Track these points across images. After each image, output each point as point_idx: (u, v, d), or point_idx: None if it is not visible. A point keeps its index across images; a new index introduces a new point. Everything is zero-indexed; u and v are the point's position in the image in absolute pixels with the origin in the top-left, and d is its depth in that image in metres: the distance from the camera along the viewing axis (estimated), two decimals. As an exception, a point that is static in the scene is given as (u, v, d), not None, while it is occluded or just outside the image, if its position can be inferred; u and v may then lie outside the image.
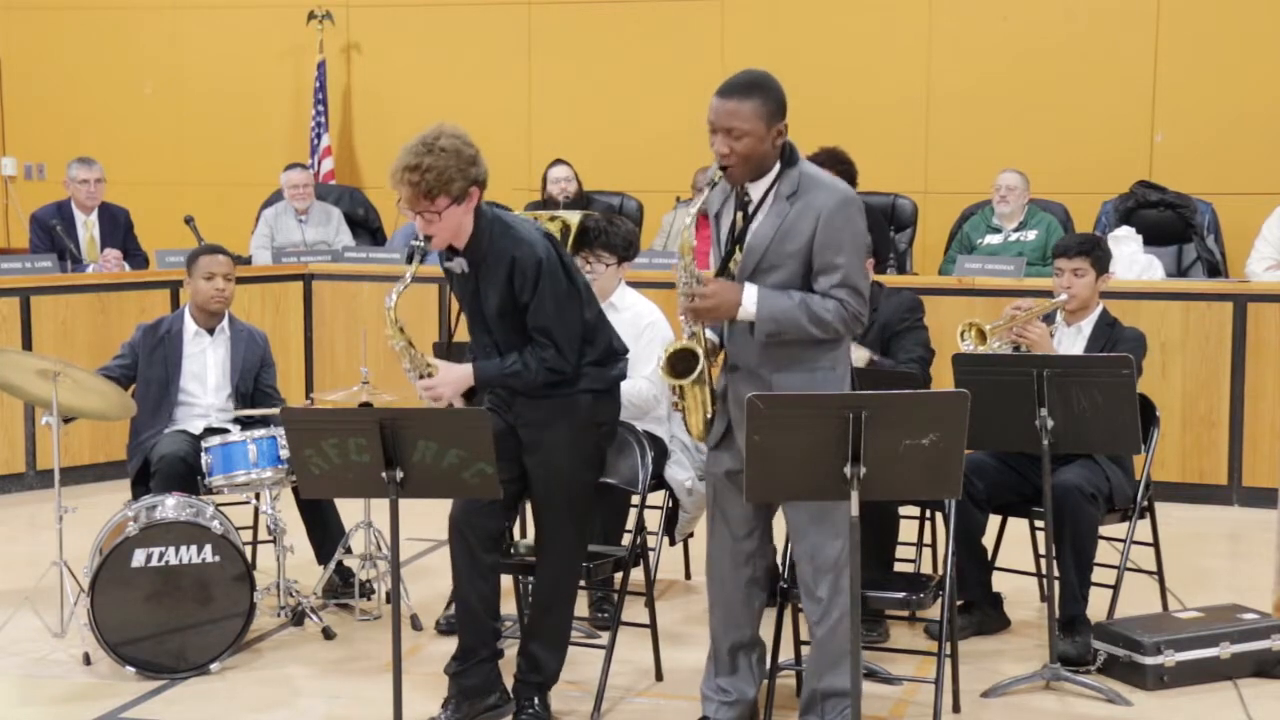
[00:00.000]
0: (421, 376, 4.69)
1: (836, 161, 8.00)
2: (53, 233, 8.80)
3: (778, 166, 4.34)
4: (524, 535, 5.43)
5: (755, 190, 4.36)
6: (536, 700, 4.79)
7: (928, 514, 5.94)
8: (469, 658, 4.78)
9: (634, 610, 5.33)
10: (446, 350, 5.15)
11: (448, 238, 4.60)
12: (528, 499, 4.88)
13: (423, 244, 4.58)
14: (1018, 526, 6.04)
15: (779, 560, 4.96)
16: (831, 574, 4.37)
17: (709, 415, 4.49)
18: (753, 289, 4.31)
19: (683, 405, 4.48)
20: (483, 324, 4.70)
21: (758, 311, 4.30)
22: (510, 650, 5.00)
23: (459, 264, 4.66)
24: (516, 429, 4.70)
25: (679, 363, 4.43)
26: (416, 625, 5.81)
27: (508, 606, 5.45)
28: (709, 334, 4.49)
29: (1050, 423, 5.02)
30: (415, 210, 4.54)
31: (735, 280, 4.35)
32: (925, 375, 5.93)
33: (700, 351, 4.40)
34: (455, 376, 4.67)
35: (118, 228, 9.16)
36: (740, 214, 4.37)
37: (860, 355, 5.69)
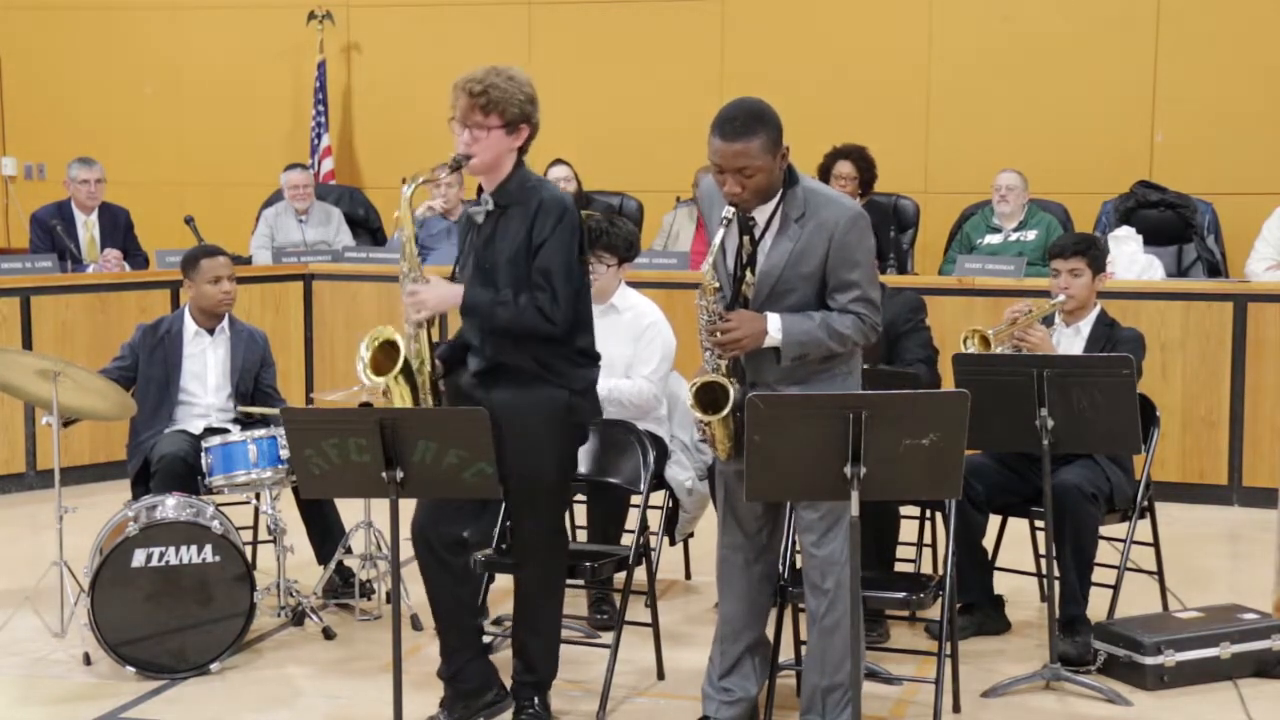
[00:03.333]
0: (415, 281, 4.64)
1: (861, 159, 8.21)
2: (53, 233, 8.80)
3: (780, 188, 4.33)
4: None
5: (760, 213, 4.33)
6: (536, 700, 4.78)
7: (928, 514, 5.94)
8: (456, 659, 4.78)
9: (634, 610, 5.32)
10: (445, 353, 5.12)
11: (488, 161, 4.59)
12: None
13: (463, 159, 4.58)
14: (1018, 527, 6.04)
15: (778, 559, 4.96)
16: (839, 567, 4.36)
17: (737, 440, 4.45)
18: (776, 317, 4.30)
19: (710, 433, 4.44)
20: (490, 279, 4.61)
21: (784, 338, 4.30)
22: (509, 652, 5.00)
23: (485, 203, 4.65)
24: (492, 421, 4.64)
25: (705, 395, 4.38)
26: (416, 625, 5.81)
27: (507, 606, 5.45)
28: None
29: (1050, 423, 5.01)
30: (466, 124, 4.56)
31: (750, 304, 4.34)
32: (933, 376, 5.92)
33: (730, 388, 4.34)
34: (444, 290, 4.61)
35: (118, 228, 9.17)
36: (747, 238, 4.34)
37: None
